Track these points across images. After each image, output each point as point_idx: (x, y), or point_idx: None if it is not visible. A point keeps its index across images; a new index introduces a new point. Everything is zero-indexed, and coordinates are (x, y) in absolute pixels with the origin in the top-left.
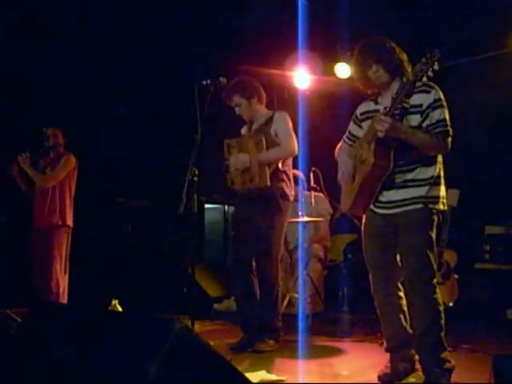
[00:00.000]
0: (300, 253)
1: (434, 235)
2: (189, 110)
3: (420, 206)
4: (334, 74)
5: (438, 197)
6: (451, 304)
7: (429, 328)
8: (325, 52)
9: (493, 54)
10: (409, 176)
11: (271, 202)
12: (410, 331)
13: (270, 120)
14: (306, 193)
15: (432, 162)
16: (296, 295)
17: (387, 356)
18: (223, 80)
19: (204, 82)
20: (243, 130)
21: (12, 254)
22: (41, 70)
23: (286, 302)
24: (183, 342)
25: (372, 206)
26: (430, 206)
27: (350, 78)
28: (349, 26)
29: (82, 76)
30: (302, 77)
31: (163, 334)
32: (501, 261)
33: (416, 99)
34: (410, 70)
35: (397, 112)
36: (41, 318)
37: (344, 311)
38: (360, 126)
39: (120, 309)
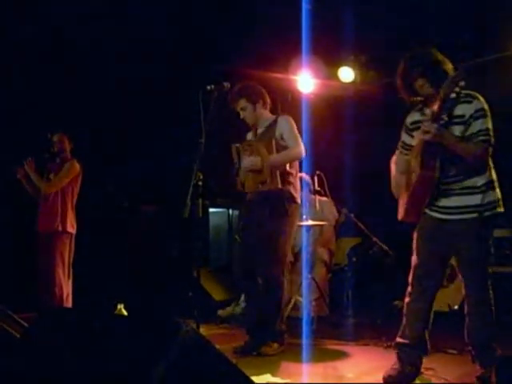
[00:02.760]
0: (304, 256)
1: (490, 242)
2: (193, 115)
3: (475, 215)
4: (337, 78)
5: (493, 201)
6: (456, 307)
7: (487, 335)
8: (328, 56)
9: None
10: (463, 184)
11: (278, 205)
12: (427, 338)
13: (273, 124)
14: (311, 197)
15: (485, 169)
16: (301, 298)
17: (392, 359)
18: (227, 85)
19: (208, 87)
20: (249, 136)
21: (17, 258)
22: (50, 75)
23: (290, 306)
24: (190, 344)
25: (427, 210)
26: (486, 213)
27: (353, 82)
28: (352, 30)
29: (88, 80)
30: (305, 81)
31: (170, 336)
32: (507, 263)
33: (459, 110)
34: (447, 83)
35: (441, 123)
36: (48, 322)
37: (349, 315)
38: (411, 136)
39: (125, 313)
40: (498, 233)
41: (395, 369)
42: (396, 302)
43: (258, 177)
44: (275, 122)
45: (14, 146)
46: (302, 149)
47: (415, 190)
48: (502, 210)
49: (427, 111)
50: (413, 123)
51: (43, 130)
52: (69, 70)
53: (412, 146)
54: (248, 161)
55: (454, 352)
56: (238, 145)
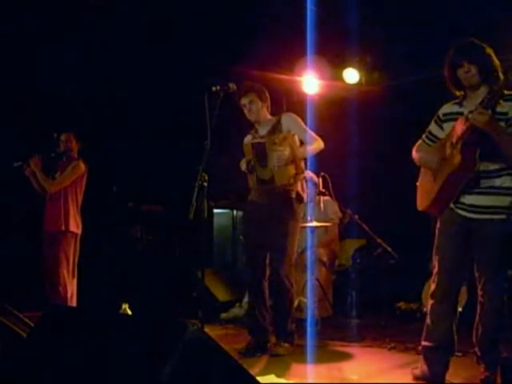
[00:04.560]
0: (309, 257)
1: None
2: (199, 116)
3: (503, 216)
4: (342, 79)
5: None
6: (460, 309)
7: (497, 337)
8: (333, 57)
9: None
10: (494, 183)
11: (287, 205)
12: (455, 338)
13: (278, 123)
14: (316, 197)
15: None
16: (305, 299)
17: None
18: (233, 86)
19: (214, 88)
20: (248, 138)
21: (23, 257)
22: (60, 77)
23: (294, 307)
24: (196, 344)
25: (452, 205)
26: None
27: (358, 84)
28: (357, 31)
29: (94, 81)
30: (310, 82)
31: (176, 336)
32: (510, 265)
33: (502, 107)
34: (502, 78)
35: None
36: (54, 321)
37: (352, 316)
38: (441, 127)
39: (130, 312)
40: None
41: (423, 370)
42: (400, 304)
43: (292, 169)
44: (279, 121)
45: (21, 144)
46: (320, 140)
47: (449, 181)
48: None
49: (466, 103)
50: (446, 114)
51: (51, 129)
52: (75, 71)
53: (438, 138)
54: (280, 153)
55: (459, 354)
56: (262, 140)
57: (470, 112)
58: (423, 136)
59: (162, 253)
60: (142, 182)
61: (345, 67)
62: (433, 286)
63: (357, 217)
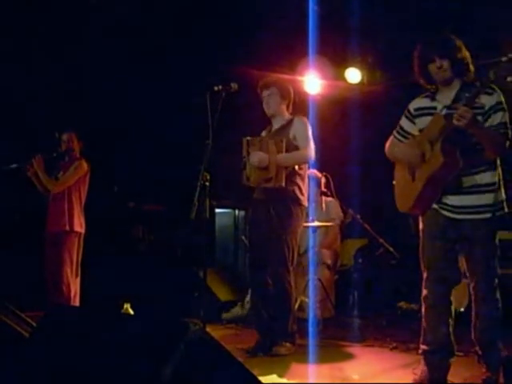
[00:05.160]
0: (310, 257)
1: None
2: (201, 115)
3: (489, 215)
4: (344, 79)
5: (502, 201)
6: (462, 309)
7: (494, 335)
8: (335, 57)
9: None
10: (475, 181)
11: (282, 205)
12: (453, 339)
13: (289, 123)
14: (318, 198)
15: (494, 166)
16: (306, 299)
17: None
18: (234, 85)
19: (216, 88)
20: (264, 133)
21: (26, 257)
22: (61, 77)
23: (296, 306)
24: (198, 344)
25: (436, 206)
26: (498, 213)
27: (360, 83)
28: (359, 31)
29: (97, 82)
30: (312, 82)
31: (178, 336)
32: (499, 262)
33: (480, 100)
34: (473, 70)
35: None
36: (56, 321)
37: (354, 316)
38: (413, 122)
39: (132, 312)
40: (502, 235)
41: (424, 375)
42: (401, 304)
43: (263, 173)
44: (291, 122)
45: (23, 144)
46: (312, 152)
47: (431, 181)
48: (508, 210)
49: (439, 97)
50: (418, 109)
51: (53, 128)
52: (78, 70)
53: (410, 134)
54: (255, 156)
55: (460, 354)
56: (249, 138)
57: (446, 107)
58: (394, 132)
59: (164, 252)
60: (144, 182)
61: (347, 67)
62: (424, 292)
63: (359, 216)
